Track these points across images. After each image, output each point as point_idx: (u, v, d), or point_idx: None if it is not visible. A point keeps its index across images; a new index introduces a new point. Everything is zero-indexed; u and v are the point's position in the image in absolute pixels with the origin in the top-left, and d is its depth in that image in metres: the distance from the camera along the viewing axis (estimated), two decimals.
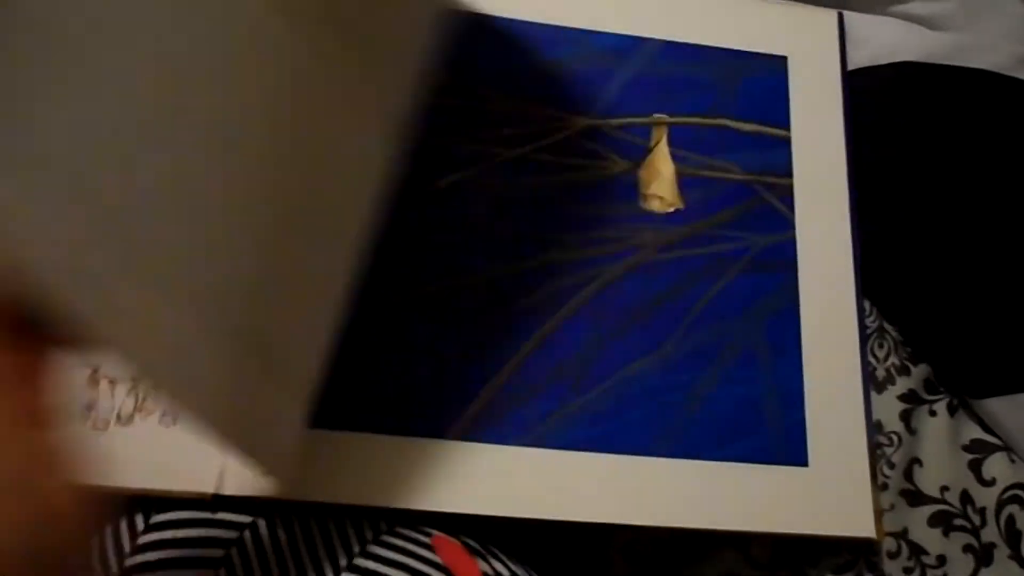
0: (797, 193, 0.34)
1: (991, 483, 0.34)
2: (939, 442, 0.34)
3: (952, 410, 0.35)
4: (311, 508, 0.28)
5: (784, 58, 0.36)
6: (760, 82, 0.36)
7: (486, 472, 0.29)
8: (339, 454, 0.28)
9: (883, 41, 0.36)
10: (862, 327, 0.33)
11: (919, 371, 0.35)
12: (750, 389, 0.31)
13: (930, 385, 0.35)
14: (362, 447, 0.29)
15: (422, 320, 0.30)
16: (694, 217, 0.33)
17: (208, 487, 0.28)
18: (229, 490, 0.27)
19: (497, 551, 0.30)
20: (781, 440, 0.31)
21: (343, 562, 0.27)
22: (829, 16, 0.37)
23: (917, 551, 0.33)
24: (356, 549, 0.27)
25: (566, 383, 0.31)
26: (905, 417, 0.34)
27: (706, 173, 0.34)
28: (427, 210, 0.32)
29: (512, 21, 0.34)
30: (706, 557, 0.33)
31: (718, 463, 0.30)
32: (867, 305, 0.35)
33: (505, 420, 0.30)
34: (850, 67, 0.36)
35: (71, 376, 0.23)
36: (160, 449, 0.28)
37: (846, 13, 0.37)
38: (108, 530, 0.32)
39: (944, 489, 0.34)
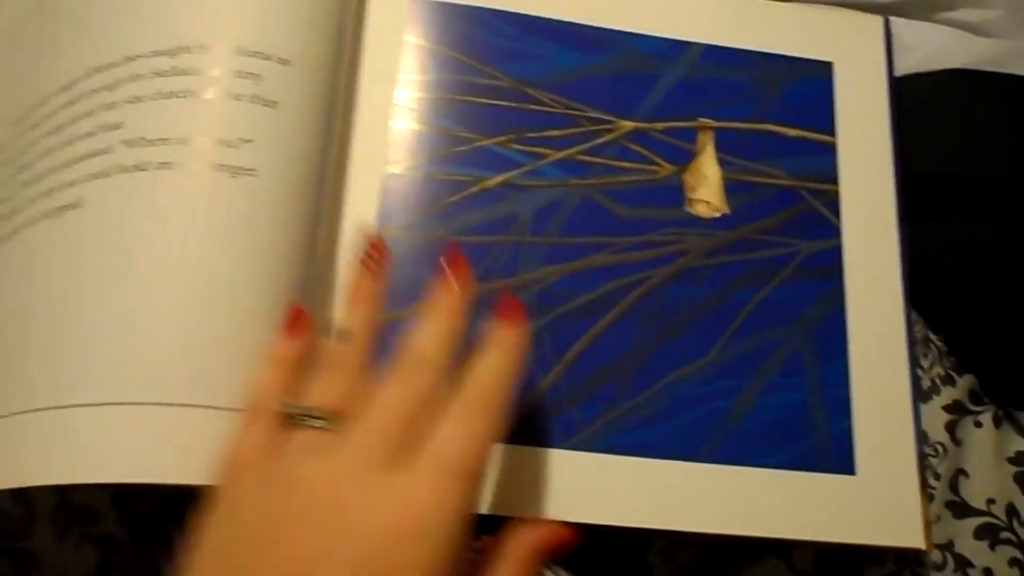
0: (843, 199, 0.34)
1: None
2: (985, 454, 0.34)
3: (998, 421, 0.35)
4: None
5: (829, 63, 0.36)
6: (805, 87, 0.35)
7: (531, 475, 0.29)
8: None
9: (931, 47, 0.36)
10: (910, 335, 0.32)
11: (964, 381, 0.35)
12: (797, 396, 0.31)
13: (975, 396, 0.35)
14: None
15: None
16: (740, 222, 0.33)
17: None
18: None
19: None
20: (828, 448, 0.30)
21: None
22: (875, 22, 0.37)
23: (963, 564, 0.33)
24: None
25: (613, 387, 0.30)
26: (950, 428, 0.34)
27: (752, 178, 0.34)
28: (477, 210, 0.32)
29: (561, 23, 0.34)
30: (748, 564, 0.32)
31: (764, 470, 0.30)
32: (912, 314, 0.34)
33: (551, 423, 0.30)
34: (897, 73, 0.36)
35: None
36: None
37: (893, 19, 0.36)
38: (173, 522, 0.32)
39: (990, 502, 0.33)
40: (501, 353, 0.26)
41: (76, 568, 0.37)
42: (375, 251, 0.28)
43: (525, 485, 0.29)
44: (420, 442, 0.24)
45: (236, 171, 0.29)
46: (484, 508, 0.28)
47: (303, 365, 0.27)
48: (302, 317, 0.27)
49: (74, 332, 0.28)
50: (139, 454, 0.26)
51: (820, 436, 0.31)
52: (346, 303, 0.28)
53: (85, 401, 0.26)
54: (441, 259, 0.27)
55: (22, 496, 0.37)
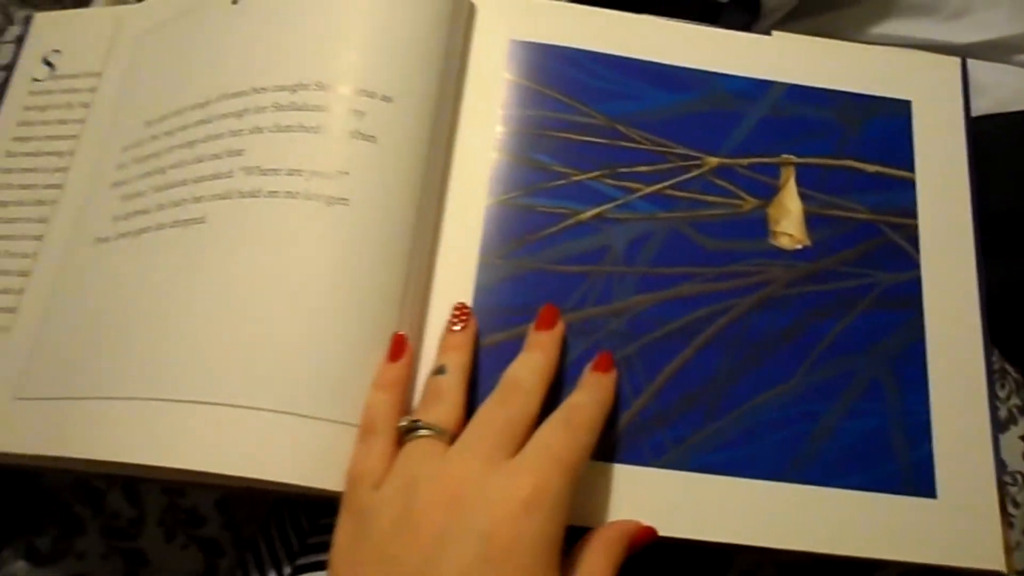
0: (922, 233, 0.35)
1: None
2: None
3: None
4: None
5: (908, 102, 0.37)
6: (884, 124, 0.37)
7: (622, 491, 0.30)
8: None
9: (1007, 89, 0.37)
10: (988, 364, 0.33)
11: None
12: (878, 421, 0.32)
13: None
14: None
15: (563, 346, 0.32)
16: (821, 254, 0.35)
17: None
18: None
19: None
20: (910, 471, 0.32)
21: None
22: (953, 63, 0.38)
23: None
24: None
25: (700, 410, 0.32)
26: None
27: (832, 212, 0.35)
28: (572, 241, 0.34)
29: (651, 64, 0.36)
30: None
31: (847, 491, 0.31)
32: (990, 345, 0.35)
33: (642, 443, 0.31)
34: (973, 114, 0.37)
35: None
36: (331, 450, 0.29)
37: (970, 61, 0.38)
38: (275, 531, 0.34)
39: None
40: (594, 390, 0.30)
41: (182, 568, 0.39)
42: (461, 314, 0.32)
43: (616, 500, 0.30)
44: (521, 442, 0.27)
45: (331, 200, 0.31)
46: (578, 520, 0.30)
47: (407, 386, 0.30)
48: (403, 343, 0.30)
49: (189, 336, 0.30)
50: (250, 452, 0.28)
51: (902, 460, 0.32)
52: (439, 352, 0.31)
53: (200, 399, 0.29)
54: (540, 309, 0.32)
55: (135, 498, 0.39)
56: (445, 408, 0.29)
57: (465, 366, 0.30)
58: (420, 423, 0.28)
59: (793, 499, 0.31)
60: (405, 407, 0.30)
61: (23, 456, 0.32)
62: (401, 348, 0.30)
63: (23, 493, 0.40)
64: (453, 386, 0.30)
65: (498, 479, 0.26)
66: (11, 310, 0.36)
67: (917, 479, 0.31)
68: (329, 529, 0.29)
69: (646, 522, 0.30)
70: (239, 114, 0.33)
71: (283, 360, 0.29)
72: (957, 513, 0.31)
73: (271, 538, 0.35)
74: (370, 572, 0.25)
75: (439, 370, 0.30)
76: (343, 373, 0.30)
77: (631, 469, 0.31)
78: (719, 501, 0.31)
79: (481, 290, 0.33)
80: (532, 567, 0.24)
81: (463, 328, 0.31)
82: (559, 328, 0.31)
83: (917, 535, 0.31)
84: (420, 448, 0.28)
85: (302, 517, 0.34)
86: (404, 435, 0.28)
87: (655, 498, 0.31)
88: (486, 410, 0.28)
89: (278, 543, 0.34)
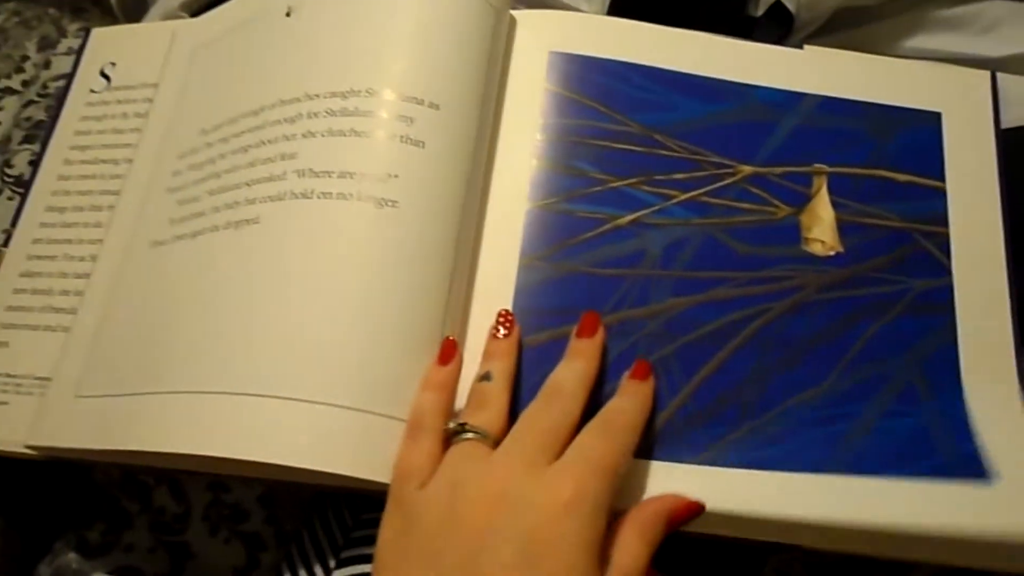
0: (954, 240, 0.36)
1: None
2: None
3: None
4: None
5: (938, 113, 0.38)
6: (915, 135, 0.38)
7: (662, 487, 0.31)
8: None
9: None
10: (1021, 368, 0.34)
11: None
12: (915, 421, 0.33)
13: None
14: None
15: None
16: (854, 260, 0.35)
17: None
18: None
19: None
20: (959, 462, 0.32)
21: None
22: (982, 75, 0.39)
23: None
24: None
25: (735, 409, 0.33)
26: None
27: (864, 220, 0.36)
28: (610, 245, 0.35)
29: (686, 76, 0.38)
30: None
31: (895, 479, 0.31)
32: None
33: (681, 440, 0.32)
34: (1004, 125, 0.38)
35: None
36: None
37: (1000, 75, 0.38)
38: (319, 525, 0.35)
39: None
40: (633, 397, 0.31)
41: (226, 562, 0.40)
42: (505, 321, 0.33)
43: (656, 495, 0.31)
44: (562, 447, 0.28)
45: (380, 203, 0.32)
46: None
47: (455, 388, 0.31)
48: (453, 348, 0.32)
49: (244, 332, 0.31)
50: (302, 442, 0.29)
51: (947, 455, 0.32)
52: (484, 357, 0.32)
53: (253, 391, 0.30)
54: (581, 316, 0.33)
55: (180, 494, 0.41)
56: (490, 414, 0.30)
57: (509, 372, 0.31)
58: (467, 426, 0.29)
59: (837, 488, 0.31)
60: (451, 408, 0.31)
61: (83, 451, 0.33)
62: (451, 352, 0.31)
63: (75, 488, 0.41)
64: (498, 392, 0.31)
65: (540, 482, 0.27)
66: (72, 311, 0.37)
67: (968, 468, 0.32)
68: (373, 523, 0.30)
69: (693, 525, 0.30)
70: (292, 120, 0.35)
71: (333, 354, 0.30)
72: (1015, 497, 0.31)
73: (315, 532, 0.36)
74: (415, 566, 0.26)
75: (485, 376, 0.31)
76: (391, 368, 0.31)
77: (669, 466, 0.31)
78: (759, 495, 0.31)
79: (521, 292, 0.34)
80: (572, 567, 0.25)
81: (507, 335, 0.32)
82: (600, 335, 0.32)
83: (973, 516, 0.31)
84: (466, 450, 0.29)
85: (344, 511, 0.35)
86: (451, 437, 0.29)
87: (692, 493, 0.31)
88: (529, 415, 0.29)
89: (322, 536, 0.35)
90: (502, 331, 0.32)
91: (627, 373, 0.32)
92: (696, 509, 0.30)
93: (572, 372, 0.31)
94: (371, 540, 0.29)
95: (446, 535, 0.26)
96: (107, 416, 0.33)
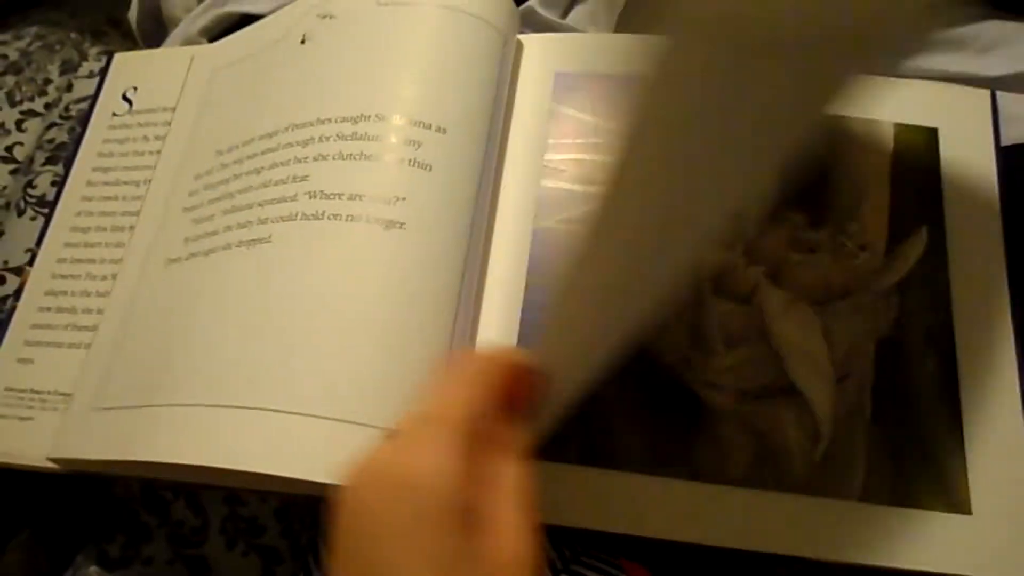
0: (951, 256, 0.36)
1: None
2: None
3: None
4: None
5: (935, 129, 0.38)
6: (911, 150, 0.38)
7: (672, 502, 0.32)
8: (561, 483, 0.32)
9: None
10: (1023, 385, 0.34)
11: None
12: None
13: None
14: (574, 477, 0.33)
15: None
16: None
17: None
18: None
19: None
20: (941, 486, 0.32)
21: None
22: (981, 94, 0.39)
23: None
24: (559, 566, 0.31)
25: None
26: None
27: None
28: None
29: None
30: None
31: (883, 507, 0.32)
32: None
33: None
34: (1007, 142, 0.38)
35: None
36: None
37: (1001, 93, 0.39)
38: None
39: None
40: None
41: (243, 574, 0.41)
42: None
43: (669, 510, 0.32)
44: None
45: (389, 224, 0.33)
46: (633, 530, 0.31)
47: None
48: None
49: (255, 347, 0.32)
50: (312, 456, 0.30)
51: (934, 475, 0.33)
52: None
53: (264, 406, 0.31)
54: None
55: (198, 508, 0.42)
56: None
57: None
58: None
59: (831, 512, 0.32)
60: None
61: (100, 462, 0.34)
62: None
63: (95, 502, 0.42)
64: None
65: None
66: (93, 328, 0.38)
67: (949, 493, 0.32)
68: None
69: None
70: (304, 143, 0.36)
71: (342, 371, 0.31)
72: (994, 528, 0.32)
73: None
74: None
75: None
76: (399, 386, 0.32)
77: (678, 483, 0.32)
78: (766, 514, 0.32)
79: (528, 309, 0.35)
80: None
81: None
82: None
83: (952, 548, 0.32)
84: None
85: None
86: None
87: (706, 510, 0.32)
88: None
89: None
90: None
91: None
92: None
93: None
94: None
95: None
96: (122, 427, 0.34)
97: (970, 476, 0.33)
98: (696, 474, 0.32)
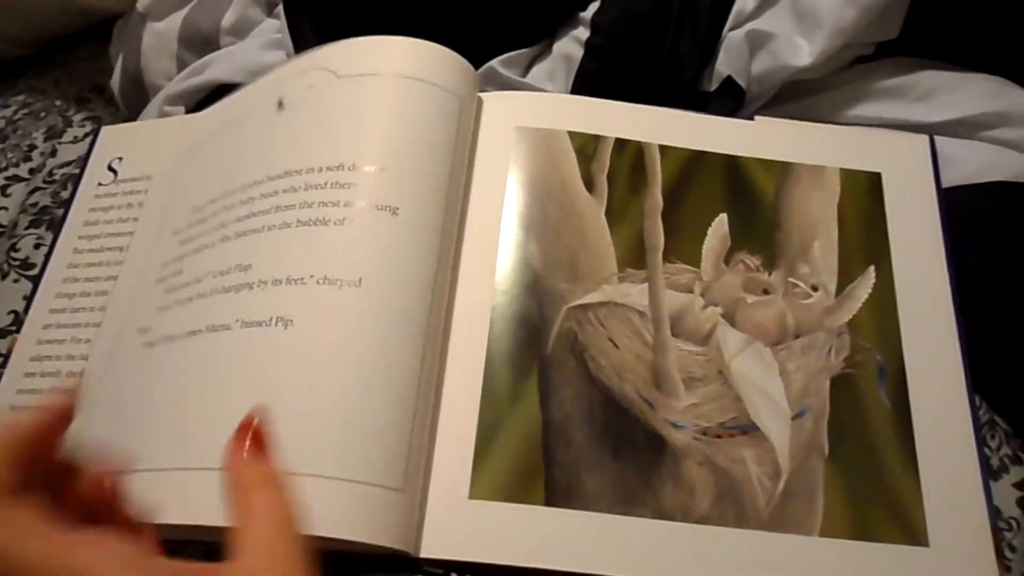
0: (900, 293, 0.38)
1: None
2: None
3: None
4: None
5: (878, 174, 0.40)
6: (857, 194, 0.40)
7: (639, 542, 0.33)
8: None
9: (977, 162, 0.40)
10: (975, 417, 0.36)
11: None
12: None
13: None
14: (541, 518, 0.34)
15: None
16: None
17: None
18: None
19: None
20: (898, 519, 0.34)
21: None
22: (921, 139, 0.41)
23: None
24: None
25: None
26: (1022, 503, 0.37)
27: None
28: None
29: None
30: None
31: (843, 541, 0.33)
32: (977, 399, 0.37)
33: None
34: (946, 185, 0.40)
35: None
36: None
37: (940, 138, 0.41)
38: None
39: None
40: None
41: None
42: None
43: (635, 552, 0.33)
44: None
45: (343, 284, 0.34)
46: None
47: None
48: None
49: (222, 410, 0.32)
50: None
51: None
52: None
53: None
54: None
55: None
56: None
57: None
58: None
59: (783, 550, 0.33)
60: None
61: None
62: None
63: None
64: None
65: None
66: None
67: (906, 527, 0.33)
68: None
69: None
70: (269, 200, 0.37)
71: (309, 427, 0.32)
72: (952, 560, 0.33)
73: None
74: None
75: None
76: (371, 437, 0.32)
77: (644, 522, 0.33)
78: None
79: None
80: None
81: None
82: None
83: None
84: None
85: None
86: None
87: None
88: None
89: None
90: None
91: None
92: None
93: None
94: None
95: None
96: None
97: (926, 507, 0.34)
98: (661, 512, 0.34)
